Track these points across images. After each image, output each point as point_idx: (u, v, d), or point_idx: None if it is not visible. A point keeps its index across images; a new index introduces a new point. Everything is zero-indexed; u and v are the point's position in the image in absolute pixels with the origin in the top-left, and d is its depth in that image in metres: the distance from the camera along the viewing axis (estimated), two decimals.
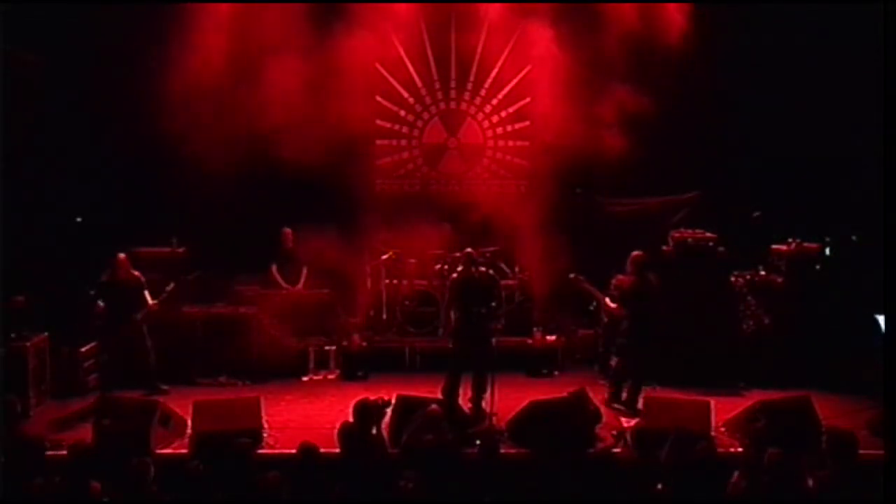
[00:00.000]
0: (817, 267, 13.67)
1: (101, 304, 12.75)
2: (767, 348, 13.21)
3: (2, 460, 8.88)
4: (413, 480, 8.41)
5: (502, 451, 9.48)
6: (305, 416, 11.98)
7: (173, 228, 14.16)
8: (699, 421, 10.54)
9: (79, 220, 14.33)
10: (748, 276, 13.55)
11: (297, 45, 14.28)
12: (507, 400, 11.48)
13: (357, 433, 9.51)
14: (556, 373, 13.89)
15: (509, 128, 15.85)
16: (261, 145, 14.25)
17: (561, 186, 14.73)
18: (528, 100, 15.62)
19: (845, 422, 10.70)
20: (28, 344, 12.17)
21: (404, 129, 15.86)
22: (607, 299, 12.37)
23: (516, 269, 14.73)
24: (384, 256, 14.61)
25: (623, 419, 11.54)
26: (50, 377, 12.58)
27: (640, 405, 11.70)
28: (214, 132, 14.20)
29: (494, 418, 11.28)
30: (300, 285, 14.41)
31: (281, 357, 13.65)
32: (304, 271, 14.43)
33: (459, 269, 12.13)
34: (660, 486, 8.59)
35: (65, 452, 9.26)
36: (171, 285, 12.91)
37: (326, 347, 13.93)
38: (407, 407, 10.58)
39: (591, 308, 13.85)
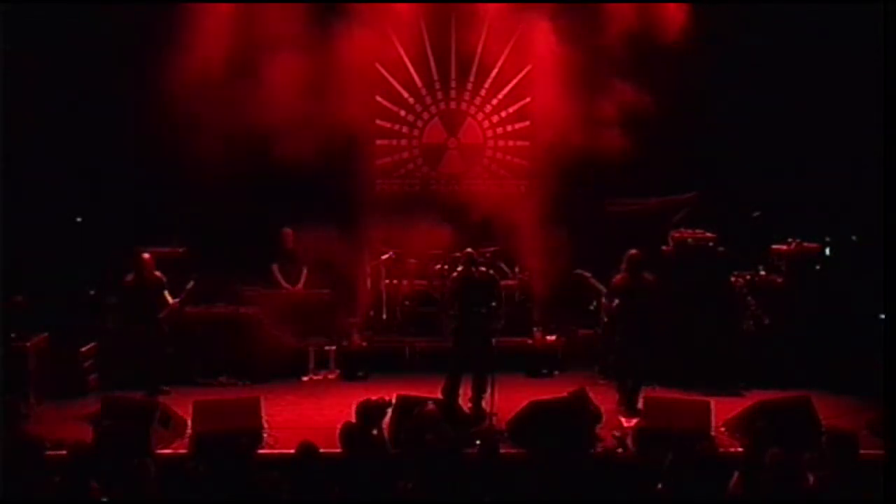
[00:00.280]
0: (817, 267, 13.68)
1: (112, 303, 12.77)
2: (767, 348, 13.21)
3: (2, 460, 8.87)
4: (413, 480, 8.41)
5: (502, 451, 9.47)
6: (305, 416, 11.98)
7: (174, 228, 14.17)
8: (699, 421, 10.55)
9: (79, 220, 14.32)
10: (748, 276, 13.55)
11: (297, 45, 14.29)
12: (507, 400, 11.48)
13: (358, 433, 9.51)
14: (556, 373, 13.89)
15: (509, 128, 15.85)
16: (261, 145, 14.27)
17: (561, 186, 14.73)
18: (528, 100, 15.61)
19: (845, 422, 10.70)
20: (28, 344, 12.18)
21: (404, 129, 15.85)
22: (604, 299, 12.42)
23: (516, 269, 14.73)
24: (384, 256, 14.61)
25: (623, 419, 11.54)
26: (50, 377, 12.58)
27: (640, 405, 11.70)
28: (215, 132, 14.21)
29: (494, 418, 11.29)
30: (300, 285, 14.41)
31: (281, 357, 13.67)
32: (305, 271, 14.43)
33: (459, 269, 12.13)
34: (660, 486, 8.59)
35: (65, 452, 9.25)
36: (191, 284, 12.92)
37: (326, 347, 13.94)
38: (407, 407, 10.58)
39: (591, 308, 13.86)
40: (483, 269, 12.23)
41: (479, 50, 15.51)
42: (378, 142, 15.71)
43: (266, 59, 14.31)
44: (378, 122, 15.67)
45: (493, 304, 11.88)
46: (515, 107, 15.74)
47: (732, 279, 13.45)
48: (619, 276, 12.34)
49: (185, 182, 14.44)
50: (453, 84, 15.81)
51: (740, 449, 10.36)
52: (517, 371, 13.47)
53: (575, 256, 14.15)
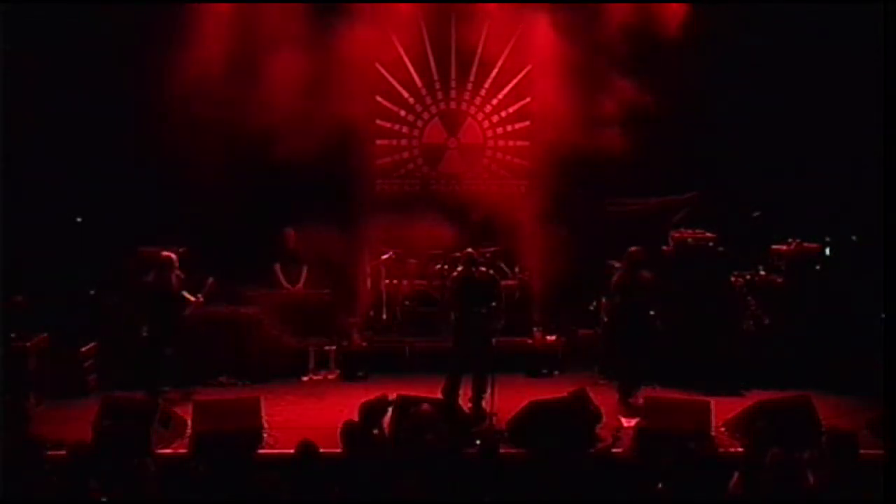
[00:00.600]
0: (817, 267, 13.67)
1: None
2: (767, 348, 13.21)
3: (2, 460, 8.88)
4: (413, 480, 8.42)
5: (502, 451, 9.47)
6: (305, 416, 11.97)
7: (174, 228, 14.16)
8: (699, 421, 10.55)
9: (79, 220, 14.33)
10: (748, 276, 13.55)
11: (297, 46, 14.30)
12: (507, 400, 11.47)
13: (360, 432, 9.51)
14: (556, 373, 13.89)
15: (509, 128, 15.84)
16: (261, 145, 14.28)
17: (561, 186, 14.73)
18: (528, 100, 15.62)
19: (845, 422, 10.69)
20: (28, 344, 12.17)
21: (404, 129, 15.85)
22: (604, 298, 12.48)
23: (516, 269, 14.73)
24: (384, 256, 14.61)
25: (623, 419, 11.54)
26: (50, 377, 12.58)
27: (638, 402, 11.73)
28: (215, 132, 14.24)
29: (494, 418, 11.29)
30: (300, 285, 14.41)
31: (281, 357, 13.67)
32: (305, 271, 14.43)
33: (459, 269, 12.13)
34: (660, 486, 8.59)
35: (65, 452, 9.26)
36: (210, 281, 12.89)
37: (326, 347, 13.93)
38: (407, 407, 10.58)
39: (591, 308, 13.86)
40: (483, 269, 12.23)
41: (480, 49, 15.51)
42: (378, 142, 15.71)
43: (266, 59, 14.32)
44: (378, 122, 15.67)
45: (493, 304, 11.89)
46: (515, 107, 15.74)
47: (732, 279, 13.45)
48: (618, 275, 12.37)
49: (185, 182, 14.43)
50: (453, 84, 15.81)
51: (740, 449, 10.36)
52: (517, 371, 13.46)
53: (575, 256, 14.19)
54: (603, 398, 11.91)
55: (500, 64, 15.57)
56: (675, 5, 14.69)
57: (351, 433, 9.50)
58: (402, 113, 15.79)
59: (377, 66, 15.40)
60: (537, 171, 15.26)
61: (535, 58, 15.18)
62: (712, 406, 10.82)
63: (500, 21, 15.22)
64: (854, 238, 14.33)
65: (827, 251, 13.95)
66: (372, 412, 9.70)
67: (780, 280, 13.56)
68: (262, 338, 13.65)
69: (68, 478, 8.52)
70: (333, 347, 13.94)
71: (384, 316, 14.61)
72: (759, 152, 14.66)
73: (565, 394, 11.16)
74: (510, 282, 14.32)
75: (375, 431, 9.74)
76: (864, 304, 12.97)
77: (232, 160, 14.41)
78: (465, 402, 11.69)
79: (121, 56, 14.34)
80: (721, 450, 10.30)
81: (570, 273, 14.31)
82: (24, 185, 13.16)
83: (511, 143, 15.86)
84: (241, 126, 14.32)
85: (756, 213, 14.25)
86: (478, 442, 9.87)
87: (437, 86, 15.79)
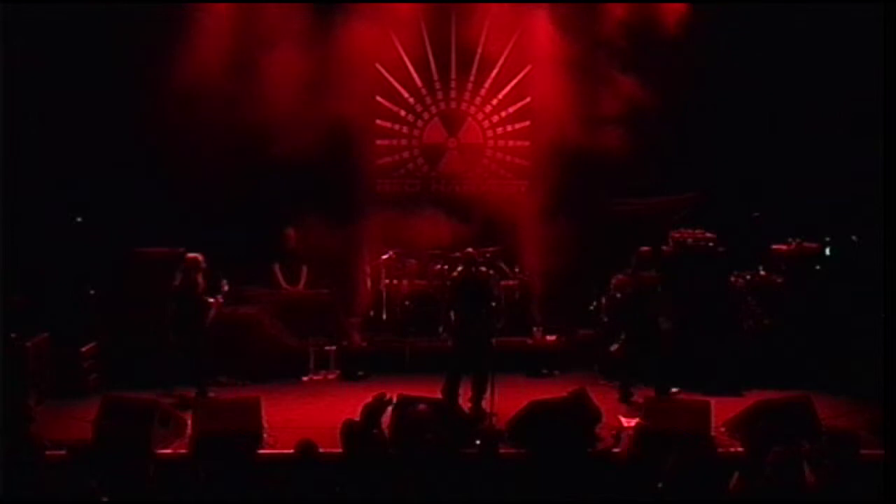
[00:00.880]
0: (817, 267, 13.67)
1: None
2: (767, 348, 13.21)
3: (2, 460, 8.88)
4: (413, 480, 8.42)
5: (502, 451, 9.47)
6: (305, 416, 11.97)
7: (174, 228, 14.15)
8: (699, 421, 10.54)
9: (79, 220, 14.33)
10: (748, 276, 13.55)
11: (297, 46, 14.31)
12: (507, 400, 11.47)
13: (360, 432, 9.51)
14: (556, 373, 13.89)
15: (509, 127, 15.85)
16: (261, 145, 14.29)
17: (561, 186, 14.73)
18: (528, 99, 15.62)
19: (845, 422, 10.70)
20: (28, 344, 12.17)
21: (404, 129, 15.85)
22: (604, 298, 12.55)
23: (516, 269, 14.73)
24: (384, 256, 14.61)
25: (623, 419, 11.54)
26: (50, 377, 12.58)
27: (635, 398, 11.81)
28: (215, 132, 14.25)
29: (494, 418, 11.28)
30: (301, 285, 14.41)
31: (281, 357, 13.67)
32: (306, 271, 14.43)
33: (459, 269, 12.14)
34: (660, 486, 8.59)
35: (65, 452, 9.26)
36: (225, 284, 12.85)
37: (326, 347, 13.93)
38: (406, 406, 10.57)
39: (591, 308, 13.86)
40: (483, 269, 12.23)
41: (479, 50, 15.52)
42: (378, 142, 15.71)
43: (266, 59, 14.33)
44: (378, 121, 15.67)
45: (493, 304, 11.88)
46: (515, 107, 15.74)
47: (732, 279, 13.45)
48: (621, 275, 12.39)
49: (185, 182, 14.43)
50: (453, 84, 15.81)
51: (740, 449, 10.36)
52: (517, 371, 13.46)
53: (575, 256, 14.19)
54: (603, 398, 11.91)
55: (500, 63, 15.57)
56: (676, 6, 14.70)
57: (351, 433, 9.50)
58: (402, 113, 15.79)
59: (377, 65, 15.40)
60: (537, 171, 15.27)
61: (536, 57, 15.18)
62: (712, 406, 10.81)
63: (500, 20, 15.23)
64: (854, 238, 14.32)
65: (827, 251, 13.94)
66: (372, 412, 9.70)
67: (780, 280, 13.55)
68: (262, 338, 13.65)
69: (68, 478, 8.52)
70: (333, 347, 13.94)
71: (384, 316, 14.60)
72: (759, 151, 14.66)
73: (565, 394, 11.15)
74: (510, 282, 14.33)
75: (375, 431, 9.74)
76: (864, 304, 12.96)
77: (232, 160, 14.42)
78: (465, 402, 11.69)
79: (121, 55, 14.35)
80: (721, 450, 10.28)
81: (570, 273, 14.31)
82: (24, 185, 13.15)
83: (511, 142, 15.86)
84: (241, 126, 14.34)
85: (756, 213, 14.25)
86: (478, 442, 9.86)
87: (437, 85, 15.79)
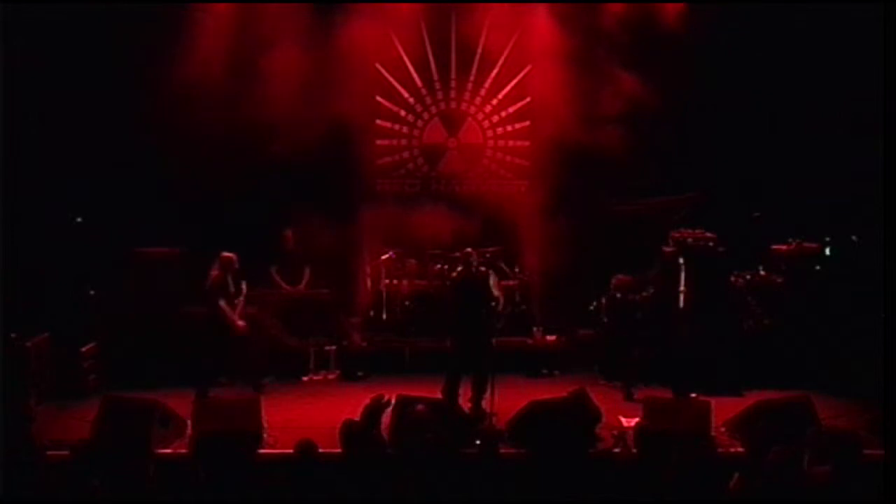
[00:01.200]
0: (817, 267, 13.67)
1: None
2: (767, 348, 13.20)
3: (2, 460, 8.88)
4: (413, 480, 8.41)
5: (502, 451, 9.47)
6: (305, 416, 11.97)
7: (174, 228, 14.16)
8: (699, 421, 10.54)
9: (79, 220, 14.34)
10: (748, 276, 13.55)
11: (297, 45, 14.31)
12: (507, 400, 11.47)
13: (360, 432, 9.51)
14: (556, 373, 13.89)
15: (509, 127, 15.85)
16: (261, 145, 14.29)
17: (561, 186, 14.73)
18: (528, 99, 15.63)
19: (845, 422, 10.70)
20: (28, 344, 12.16)
21: (404, 129, 15.86)
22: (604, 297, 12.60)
23: (516, 269, 14.73)
24: (384, 256, 14.61)
25: (623, 419, 11.53)
26: (50, 377, 12.58)
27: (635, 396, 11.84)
28: (214, 132, 14.26)
29: (494, 418, 11.28)
30: (302, 285, 14.40)
31: (281, 357, 13.66)
32: (307, 271, 14.41)
33: (459, 269, 12.14)
34: (660, 486, 8.58)
35: (65, 452, 9.26)
36: (244, 285, 12.90)
37: (326, 347, 13.94)
38: (406, 406, 10.58)
39: (592, 308, 13.86)
40: (483, 268, 12.23)
41: (480, 49, 15.52)
42: (378, 142, 15.71)
43: (266, 59, 14.33)
44: (378, 122, 15.68)
45: (493, 303, 11.89)
46: (515, 106, 15.75)
47: (732, 279, 13.44)
48: (622, 275, 12.48)
49: (185, 182, 14.43)
50: (453, 84, 15.82)
51: (740, 449, 10.36)
52: (517, 371, 13.46)
53: (575, 256, 14.19)
54: (603, 398, 11.91)
55: (500, 63, 15.58)
56: (676, 6, 14.71)
57: (351, 433, 9.50)
58: (402, 113, 15.79)
59: (377, 65, 15.41)
60: (537, 171, 15.27)
61: (536, 57, 15.18)
62: (712, 406, 10.82)
63: (500, 20, 15.23)
64: (854, 238, 14.32)
65: (827, 251, 13.94)
66: (372, 412, 9.70)
67: (780, 280, 13.55)
68: (262, 338, 13.64)
69: (69, 477, 8.52)
70: (333, 347, 13.95)
71: (384, 316, 14.61)
72: (759, 151, 14.66)
73: (565, 394, 11.16)
74: (510, 282, 14.33)
75: (375, 431, 9.73)
76: (864, 304, 12.96)
77: (232, 160, 14.42)
78: (465, 402, 11.69)
79: (121, 55, 14.35)
80: (721, 450, 10.28)
81: (570, 273, 14.31)
82: (24, 185, 13.15)
83: (511, 142, 15.86)
84: (241, 126, 14.34)
85: (756, 213, 14.25)
86: (478, 442, 9.86)
87: (437, 85, 15.80)
